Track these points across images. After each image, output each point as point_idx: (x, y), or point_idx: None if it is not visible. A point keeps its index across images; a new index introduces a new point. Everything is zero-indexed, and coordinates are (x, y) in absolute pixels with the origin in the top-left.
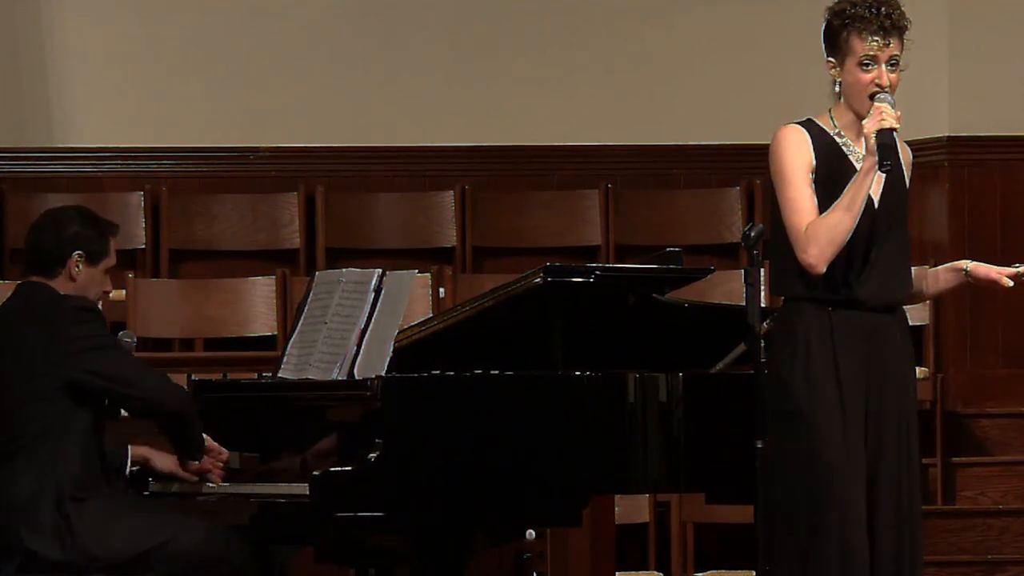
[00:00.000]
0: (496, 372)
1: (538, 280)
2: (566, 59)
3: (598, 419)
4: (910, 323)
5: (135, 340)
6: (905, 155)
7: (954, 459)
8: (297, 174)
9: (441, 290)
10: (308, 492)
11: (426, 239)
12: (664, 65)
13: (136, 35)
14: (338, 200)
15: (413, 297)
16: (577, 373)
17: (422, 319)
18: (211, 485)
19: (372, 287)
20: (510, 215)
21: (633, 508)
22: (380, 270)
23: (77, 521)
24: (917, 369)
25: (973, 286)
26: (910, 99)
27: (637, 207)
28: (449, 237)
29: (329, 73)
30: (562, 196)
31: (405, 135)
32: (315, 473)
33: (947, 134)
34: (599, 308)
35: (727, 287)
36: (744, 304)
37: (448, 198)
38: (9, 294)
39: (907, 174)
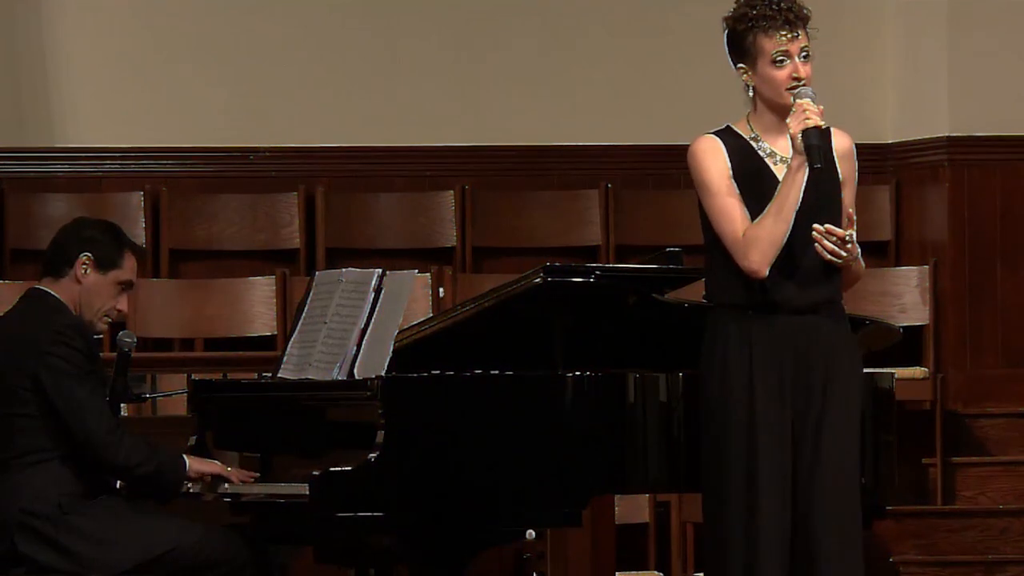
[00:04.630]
0: (496, 372)
1: (538, 280)
2: (566, 59)
3: (598, 419)
4: (904, 323)
5: (135, 340)
6: (842, 144)
7: (954, 459)
8: (297, 174)
9: (441, 290)
10: (308, 492)
11: (426, 239)
12: (664, 65)
13: (136, 35)
14: (338, 200)
15: (413, 297)
16: (577, 373)
17: (422, 319)
18: (226, 486)
19: (372, 287)
20: (510, 215)
21: (633, 508)
22: (380, 270)
23: (76, 532)
24: (916, 369)
25: (971, 284)
26: (910, 99)
27: (637, 207)
28: (449, 237)
29: (329, 73)
30: (562, 196)
31: (405, 135)
32: (315, 473)
33: (947, 134)
34: (599, 308)
35: None
36: None
37: (448, 198)
38: (9, 295)
39: (847, 165)
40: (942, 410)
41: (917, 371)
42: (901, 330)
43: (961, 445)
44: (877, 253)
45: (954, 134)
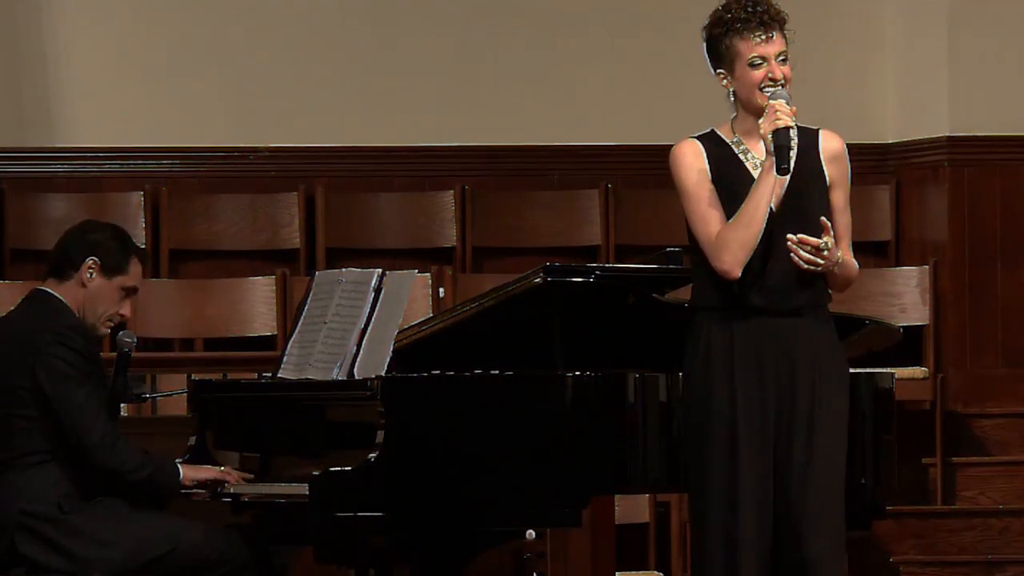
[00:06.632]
0: (496, 372)
1: (538, 280)
2: (566, 59)
3: (598, 419)
4: (904, 323)
5: (135, 340)
6: (832, 146)
7: (954, 459)
8: (297, 174)
9: (441, 290)
10: (308, 492)
11: (426, 239)
12: (664, 65)
13: (136, 35)
14: (338, 200)
15: (413, 297)
16: (577, 373)
17: (422, 319)
18: (226, 486)
19: (372, 287)
20: (510, 215)
21: (633, 508)
22: (380, 270)
23: (76, 533)
24: (916, 369)
25: (972, 284)
26: (910, 99)
27: (637, 207)
28: (449, 237)
29: (329, 73)
30: (562, 196)
31: (405, 135)
32: (315, 473)
33: (947, 134)
34: (599, 308)
35: None
36: None
37: (448, 198)
38: (9, 295)
39: (837, 167)
40: (942, 410)
41: (917, 371)
42: (901, 330)
43: (961, 445)
44: (877, 253)
45: (954, 134)
